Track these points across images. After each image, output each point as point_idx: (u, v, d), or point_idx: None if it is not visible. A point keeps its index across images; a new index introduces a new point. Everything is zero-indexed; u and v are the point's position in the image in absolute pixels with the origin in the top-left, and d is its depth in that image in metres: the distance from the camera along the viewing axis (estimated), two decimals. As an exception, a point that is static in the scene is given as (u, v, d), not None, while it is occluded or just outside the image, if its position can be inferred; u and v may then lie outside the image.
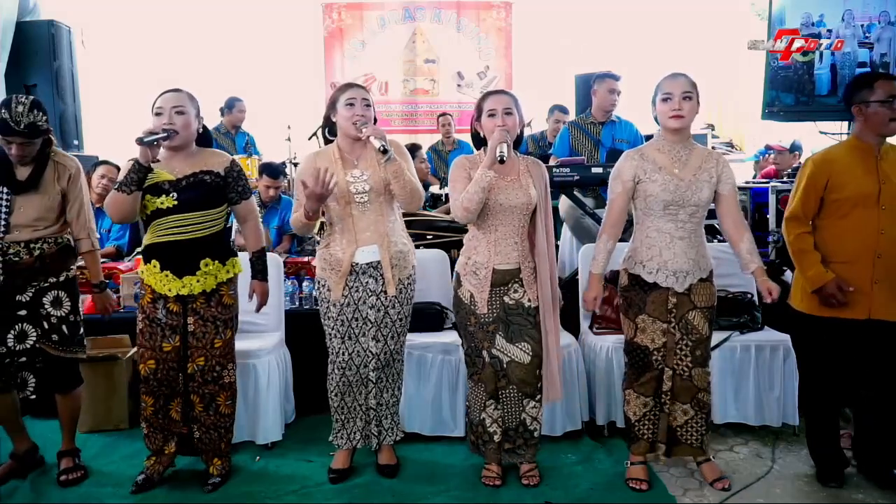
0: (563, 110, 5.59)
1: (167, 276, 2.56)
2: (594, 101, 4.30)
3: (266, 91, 7.12)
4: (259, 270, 2.74)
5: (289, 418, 3.25)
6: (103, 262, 3.73)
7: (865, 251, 2.49)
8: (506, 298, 2.60)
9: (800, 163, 5.60)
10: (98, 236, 2.93)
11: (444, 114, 6.72)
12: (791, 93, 4.60)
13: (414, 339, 2.95)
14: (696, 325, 2.54)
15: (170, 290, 2.56)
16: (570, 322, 3.37)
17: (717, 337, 2.74)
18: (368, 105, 2.62)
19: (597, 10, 7.66)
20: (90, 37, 6.63)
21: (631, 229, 2.72)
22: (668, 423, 2.61)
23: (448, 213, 2.84)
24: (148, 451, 2.70)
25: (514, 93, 2.68)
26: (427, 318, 3.22)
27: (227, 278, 2.64)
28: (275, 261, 3.43)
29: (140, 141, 2.41)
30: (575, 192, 3.82)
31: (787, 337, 3.10)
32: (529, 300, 2.60)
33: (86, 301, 3.04)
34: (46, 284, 2.65)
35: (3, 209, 2.56)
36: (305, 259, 3.86)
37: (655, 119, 2.58)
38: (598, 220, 3.82)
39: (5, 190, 2.57)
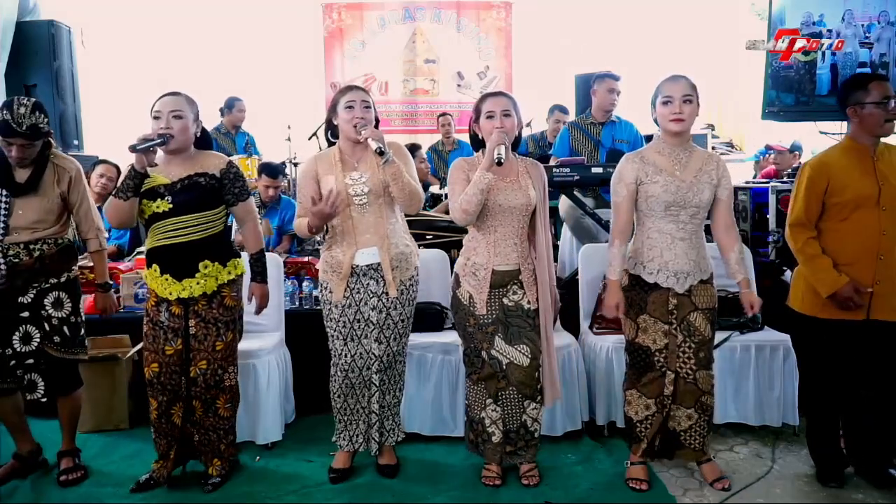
0: (563, 110, 5.59)
1: (167, 279, 2.56)
2: (594, 101, 4.30)
3: (266, 91, 7.12)
4: (258, 273, 2.73)
5: (289, 418, 3.25)
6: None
7: (867, 253, 2.49)
8: (505, 300, 2.60)
9: (800, 163, 5.62)
10: (106, 235, 2.93)
11: (444, 114, 6.73)
12: (791, 93, 4.60)
13: (414, 339, 2.95)
14: (698, 327, 2.53)
15: (171, 294, 2.57)
16: (570, 322, 3.37)
17: (717, 337, 2.74)
18: (368, 107, 2.63)
19: (597, 10, 7.66)
20: (90, 37, 6.63)
21: (632, 230, 2.72)
22: (669, 427, 2.60)
23: (447, 211, 2.84)
24: (152, 452, 2.69)
25: (513, 94, 2.68)
26: (427, 318, 3.23)
27: (228, 279, 2.63)
28: (275, 261, 3.43)
29: (133, 149, 2.41)
30: (575, 192, 3.82)
31: (787, 337, 3.10)
32: (529, 302, 2.60)
33: (87, 301, 3.04)
34: (47, 286, 2.65)
35: (3, 211, 2.56)
36: (305, 259, 3.86)
37: (655, 121, 2.58)
38: (598, 220, 3.83)
39: (4, 192, 2.57)
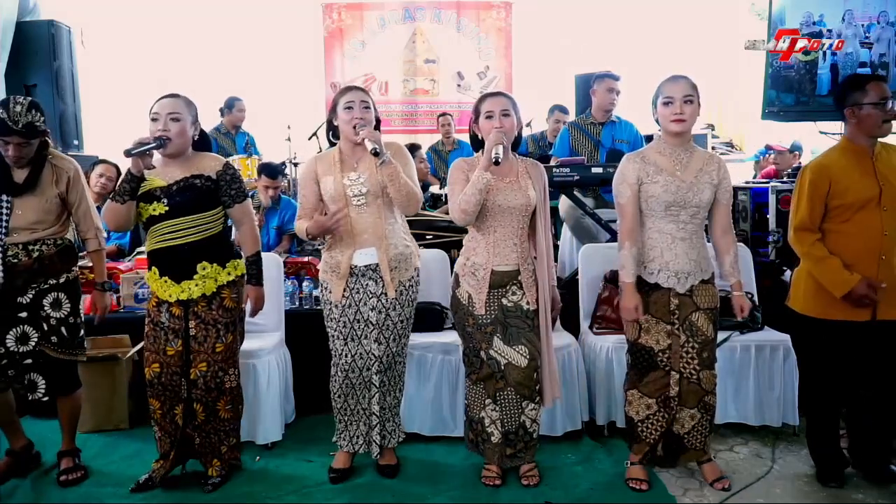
0: (563, 110, 5.59)
1: (166, 281, 2.57)
2: (594, 100, 4.30)
3: (266, 91, 7.12)
4: (253, 275, 2.71)
5: (289, 418, 3.25)
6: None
7: (869, 254, 2.48)
8: (504, 300, 2.60)
9: (800, 163, 5.63)
10: (105, 235, 2.93)
11: (444, 114, 6.73)
12: (791, 93, 4.60)
13: (414, 339, 2.95)
14: (700, 327, 2.53)
15: (170, 296, 2.57)
16: (570, 322, 3.37)
17: (718, 336, 2.74)
18: (368, 107, 2.63)
19: (597, 10, 7.66)
20: (90, 37, 6.63)
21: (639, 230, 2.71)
22: (673, 430, 2.60)
23: (448, 213, 2.84)
24: (152, 451, 2.70)
25: (512, 94, 2.68)
26: (427, 318, 3.22)
27: (227, 280, 2.63)
28: (275, 261, 3.43)
29: (128, 153, 2.42)
30: (575, 192, 3.82)
31: (787, 337, 3.10)
32: (528, 303, 2.60)
33: (86, 301, 3.04)
34: (46, 286, 2.65)
35: (4, 216, 2.55)
36: (305, 259, 3.86)
37: (656, 120, 2.58)
38: (598, 220, 3.83)
39: (5, 197, 2.57)
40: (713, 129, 7.36)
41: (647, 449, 2.63)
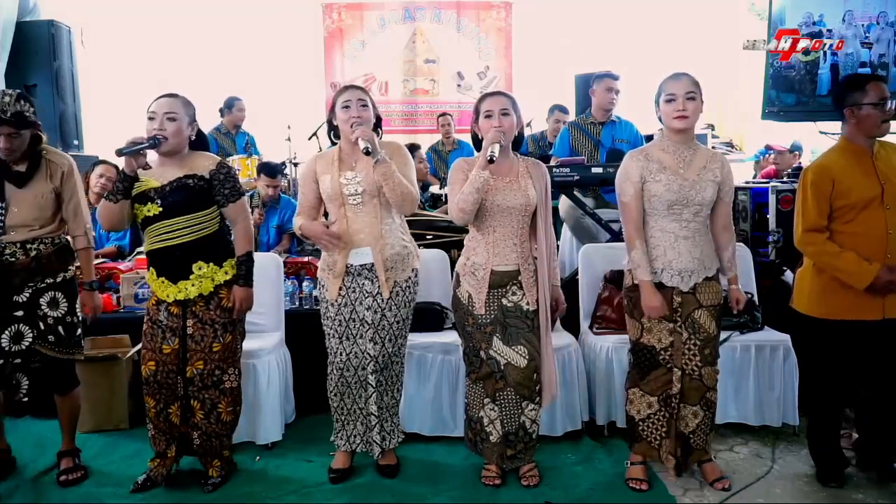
0: (564, 110, 5.58)
1: (163, 282, 2.57)
2: (593, 100, 4.30)
3: (266, 91, 7.12)
4: (241, 275, 2.65)
5: (289, 418, 3.25)
6: (104, 262, 3.75)
7: (874, 253, 2.47)
8: (504, 300, 2.60)
9: (800, 163, 5.63)
10: (94, 234, 2.92)
11: (444, 114, 6.73)
12: (791, 93, 4.60)
13: (414, 339, 2.95)
14: (702, 324, 2.53)
15: (168, 296, 2.57)
16: (570, 322, 3.37)
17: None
18: (365, 105, 2.62)
19: (597, 10, 7.66)
20: (90, 37, 6.63)
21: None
22: (678, 430, 2.60)
23: (447, 213, 2.83)
24: (152, 451, 2.69)
25: (512, 94, 2.68)
26: (427, 317, 3.22)
27: (224, 280, 2.62)
28: (275, 261, 3.43)
29: (120, 152, 2.42)
30: (575, 192, 3.82)
31: (787, 337, 3.10)
32: (528, 303, 2.60)
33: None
34: (44, 285, 2.64)
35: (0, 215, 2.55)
36: (305, 259, 3.85)
37: (659, 118, 2.58)
38: (598, 220, 3.83)
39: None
40: (713, 129, 7.35)
41: (648, 447, 2.63)
